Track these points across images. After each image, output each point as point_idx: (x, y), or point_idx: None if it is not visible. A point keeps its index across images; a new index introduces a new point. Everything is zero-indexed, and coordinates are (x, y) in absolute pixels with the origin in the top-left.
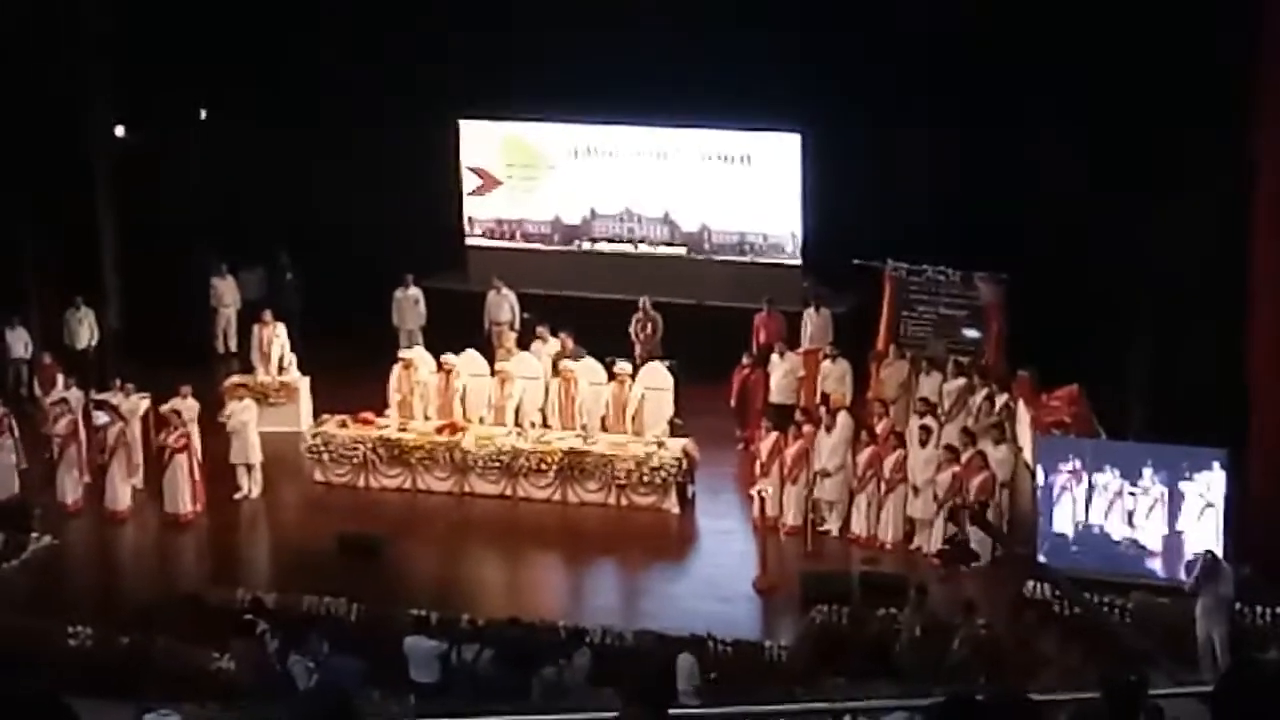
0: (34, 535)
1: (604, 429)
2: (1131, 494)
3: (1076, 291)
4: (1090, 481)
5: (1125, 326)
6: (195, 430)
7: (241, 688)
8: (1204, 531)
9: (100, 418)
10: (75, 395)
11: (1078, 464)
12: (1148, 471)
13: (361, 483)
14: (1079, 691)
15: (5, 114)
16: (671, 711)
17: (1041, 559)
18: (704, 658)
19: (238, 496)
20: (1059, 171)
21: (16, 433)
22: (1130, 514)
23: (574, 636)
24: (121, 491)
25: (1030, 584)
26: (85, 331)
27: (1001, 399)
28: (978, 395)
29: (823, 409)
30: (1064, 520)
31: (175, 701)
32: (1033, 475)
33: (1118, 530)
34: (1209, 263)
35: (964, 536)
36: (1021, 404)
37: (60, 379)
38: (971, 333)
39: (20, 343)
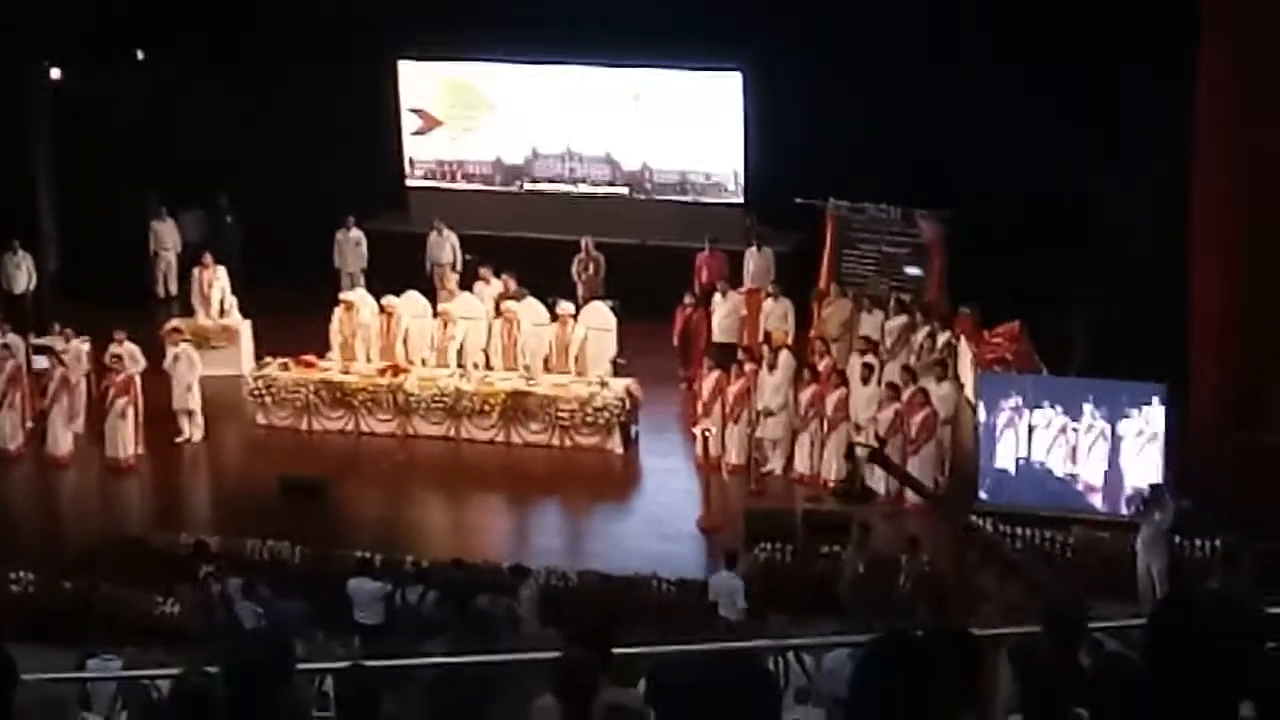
0: None
1: (547, 369)
2: (1073, 430)
3: (1018, 228)
4: (1031, 418)
5: (1066, 263)
6: (137, 375)
7: (186, 632)
8: (1144, 466)
9: (41, 362)
10: (15, 339)
11: (1019, 400)
12: (1088, 407)
13: (304, 425)
14: (1020, 626)
15: None
16: (615, 650)
17: (983, 495)
18: (648, 597)
19: (179, 440)
20: (1001, 108)
21: None
22: (1072, 449)
23: (518, 574)
24: (63, 437)
25: (973, 519)
26: (23, 275)
27: (943, 336)
28: (919, 333)
29: (765, 348)
30: (1006, 456)
31: (119, 646)
32: (974, 412)
33: (1059, 466)
34: (1150, 197)
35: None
36: (963, 341)
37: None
38: (913, 270)
39: None
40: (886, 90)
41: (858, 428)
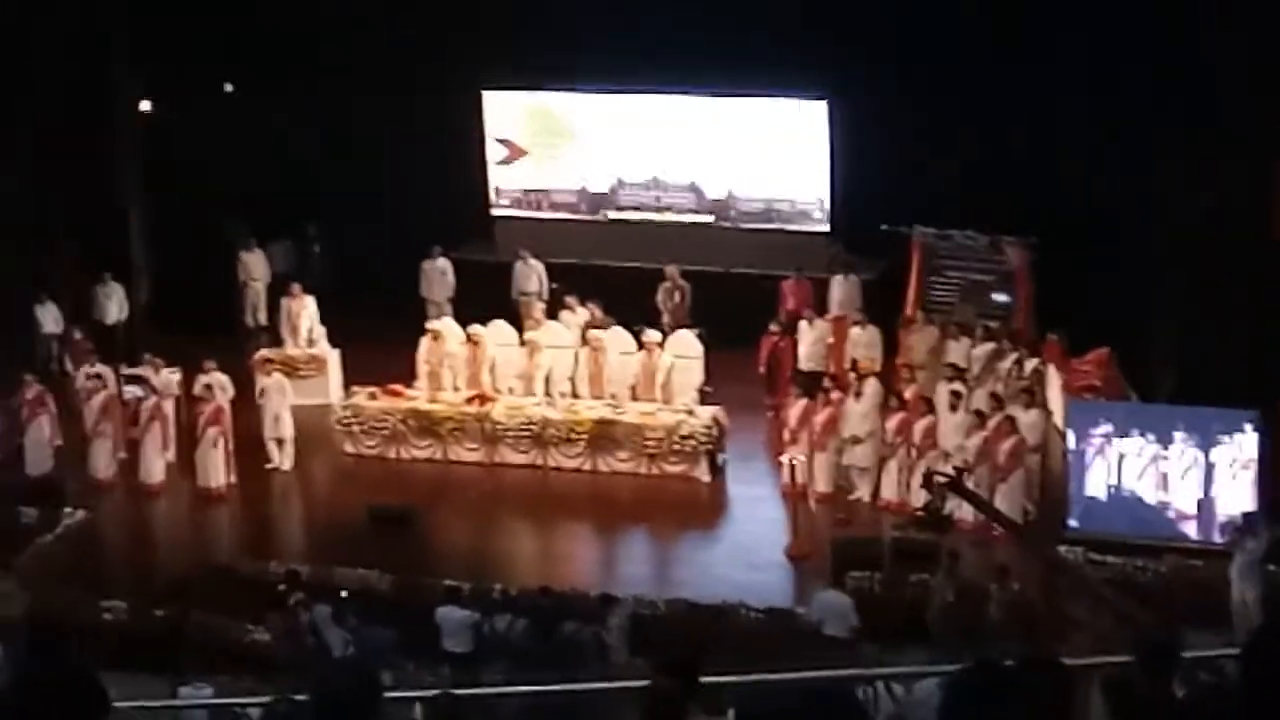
0: (68, 510)
1: (633, 398)
2: (1164, 457)
3: (1106, 255)
4: (1121, 445)
5: (1156, 289)
6: (226, 404)
7: (276, 659)
8: (1237, 493)
9: (133, 392)
10: (107, 370)
11: (1109, 428)
12: (1179, 434)
13: (392, 454)
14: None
15: (31, 90)
16: (703, 679)
17: (1073, 523)
18: (735, 625)
19: (269, 469)
20: (1088, 136)
21: (51, 409)
22: (1163, 477)
23: (606, 603)
24: (155, 465)
25: (1063, 548)
26: (114, 306)
27: (1031, 363)
28: (1007, 360)
29: (852, 375)
30: (1096, 484)
31: (210, 674)
32: (1064, 439)
33: (1150, 494)
34: (1240, 223)
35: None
36: (1051, 368)
37: (91, 354)
38: (1000, 297)
39: (50, 318)
40: (972, 117)
41: (945, 455)
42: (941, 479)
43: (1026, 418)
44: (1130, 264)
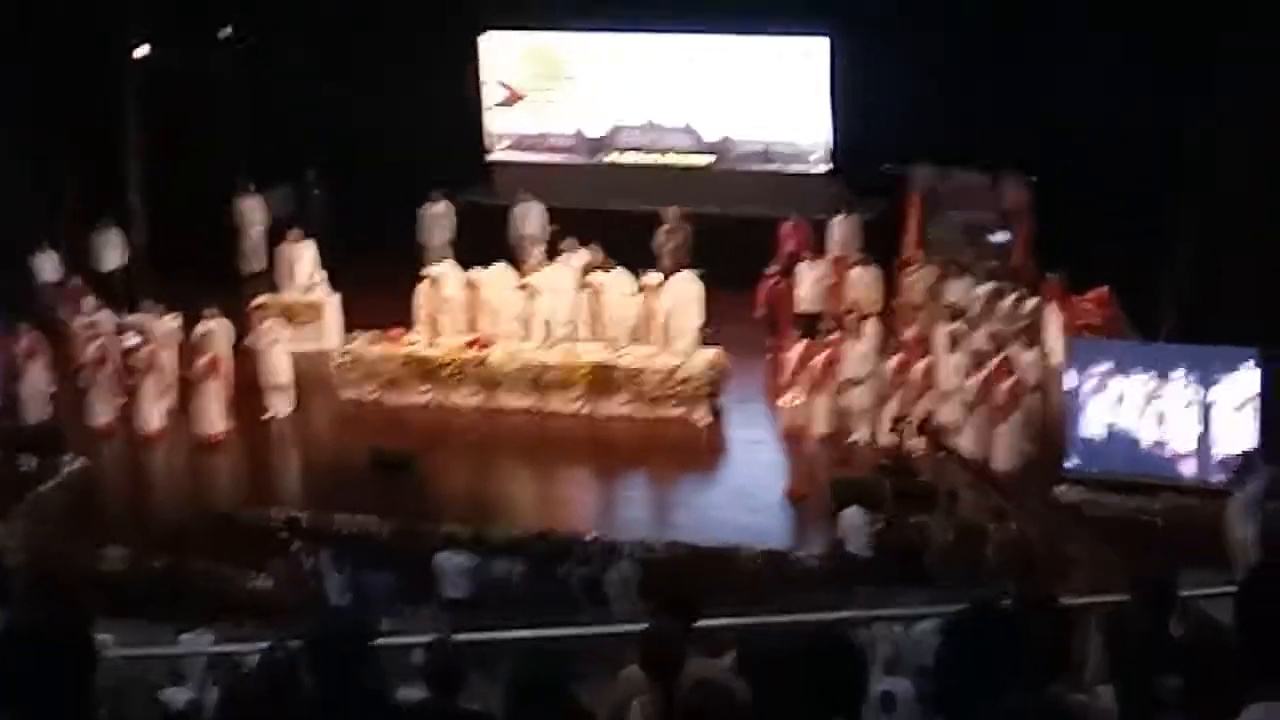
0: (66, 458)
1: (633, 341)
2: (1163, 396)
3: (1107, 192)
4: (1121, 384)
5: (1157, 226)
6: (226, 351)
7: (278, 606)
8: (1237, 432)
9: (130, 339)
10: (105, 317)
11: (1109, 367)
12: (1179, 373)
13: (391, 399)
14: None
15: (28, 35)
16: (700, 624)
17: (1072, 462)
18: (735, 568)
19: (267, 416)
20: (1088, 71)
21: (48, 357)
22: (1161, 416)
23: (608, 547)
24: (152, 413)
25: (1061, 487)
26: (113, 253)
27: (1031, 302)
28: (1006, 299)
29: (851, 316)
30: (1095, 423)
31: (211, 622)
32: (1063, 379)
33: (1149, 433)
34: (1243, 157)
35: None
36: (1051, 307)
37: (90, 301)
38: (1000, 236)
39: (49, 266)
40: (971, 54)
41: (944, 396)
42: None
43: (1026, 357)
44: (1131, 201)
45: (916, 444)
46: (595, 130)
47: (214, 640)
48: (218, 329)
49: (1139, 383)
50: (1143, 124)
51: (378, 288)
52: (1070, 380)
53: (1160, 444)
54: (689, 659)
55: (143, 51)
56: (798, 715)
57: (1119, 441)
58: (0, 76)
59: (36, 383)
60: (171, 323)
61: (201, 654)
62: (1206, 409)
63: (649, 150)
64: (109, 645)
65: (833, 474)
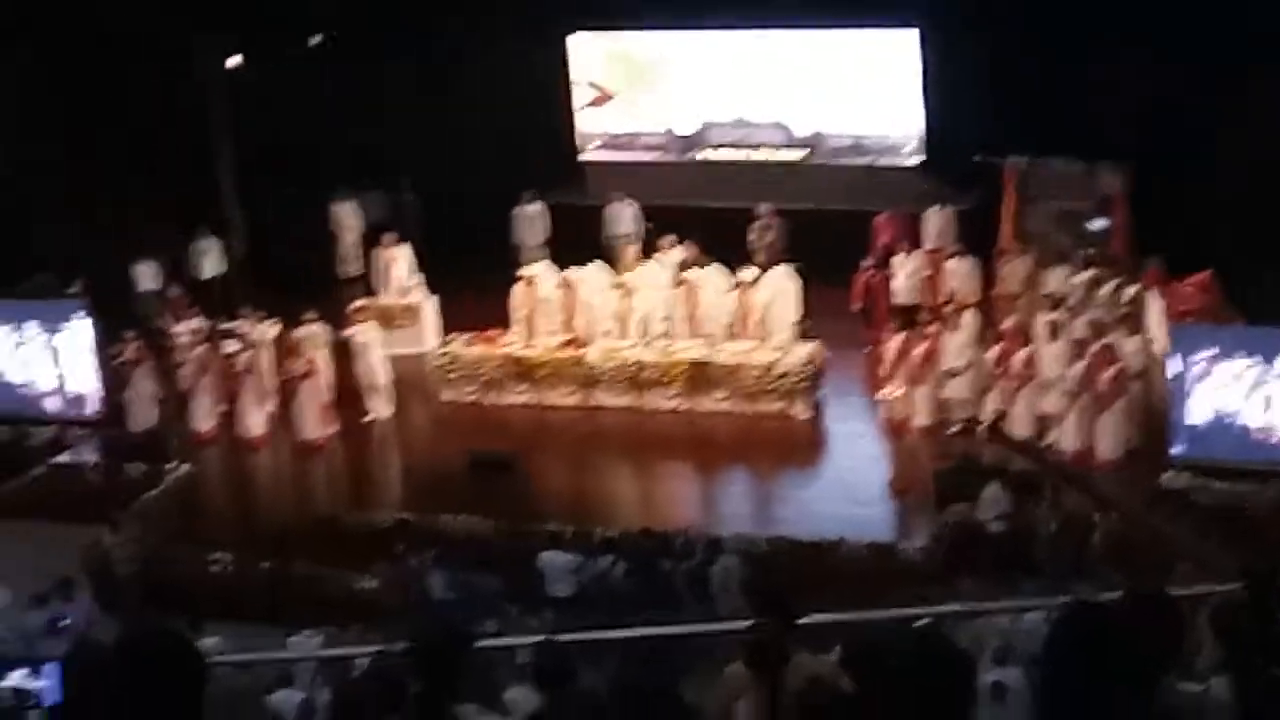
0: (170, 465)
1: (729, 337)
2: (1269, 380)
3: (1206, 176)
4: (1225, 369)
5: (1258, 209)
6: (325, 355)
7: (383, 608)
8: None
9: (230, 346)
10: (205, 325)
11: (1212, 352)
12: None
13: (489, 400)
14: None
15: (120, 49)
16: (806, 620)
17: (1177, 450)
18: (838, 562)
19: (367, 419)
20: (1183, 54)
21: (151, 365)
22: (1268, 400)
23: (711, 543)
24: (254, 419)
25: (1167, 475)
26: (211, 261)
27: (1131, 289)
28: (1106, 287)
29: (948, 308)
30: (1200, 410)
31: (318, 625)
32: (1166, 366)
33: (1255, 418)
34: None
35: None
36: (1152, 294)
37: (189, 309)
38: (1097, 223)
39: (148, 276)
40: (1064, 41)
41: (1046, 386)
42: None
43: (1128, 345)
44: (1230, 183)
45: (1019, 435)
46: (686, 128)
47: (322, 643)
48: (315, 334)
49: (1244, 367)
50: (1238, 105)
51: (473, 290)
52: (1174, 367)
53: (1267, 429)
54: (795, 654)
55: (235, 61)
56: (904, 713)
57: (1225, 428)
58: (98, 90)
59: (141, 391)
60: (270, 329)
61: (310, 657)
62: None
63: (740, 146)
64: (218, 649)
65: (935, 466)
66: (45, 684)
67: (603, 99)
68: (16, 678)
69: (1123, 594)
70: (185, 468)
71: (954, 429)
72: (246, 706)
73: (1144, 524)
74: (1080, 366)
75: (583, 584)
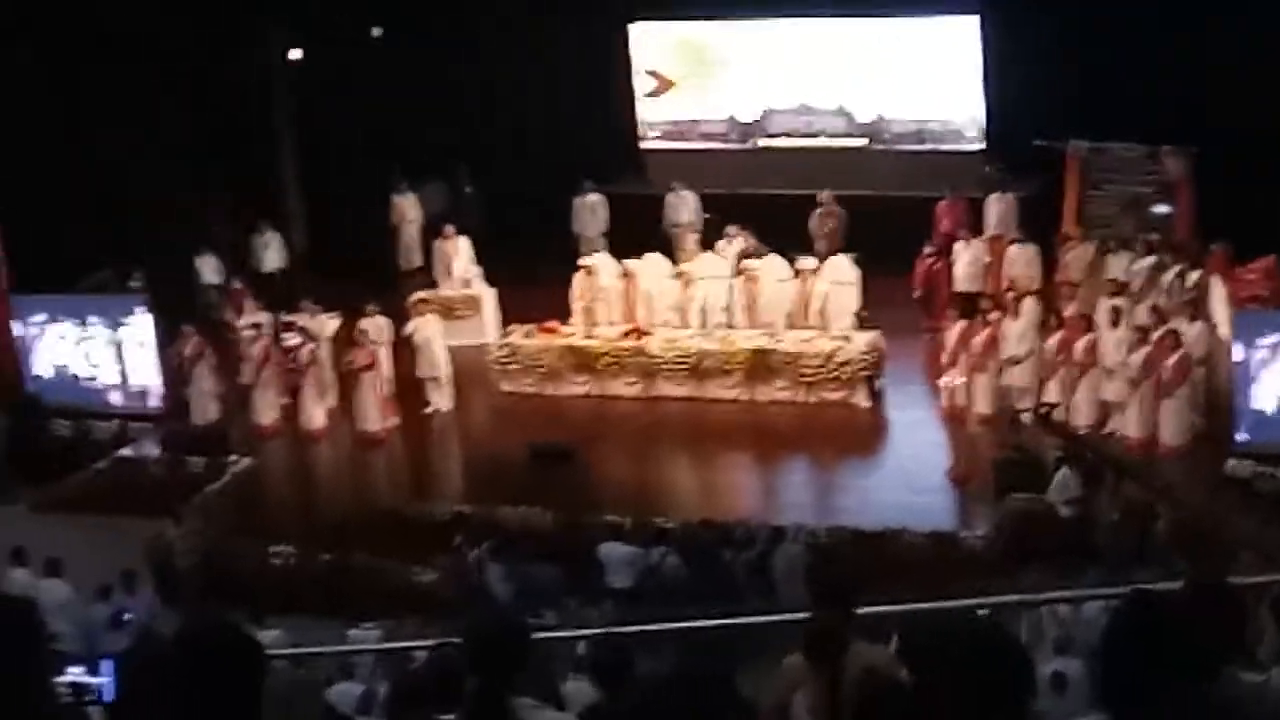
0: (233, 458)
1: (790, 326)
2: None
3: (1269, 159)
4: None
5: None
6: (385, 348)
7: (441, 601)
8: None
9: (291, 339)
10: (266, 318)
11: (1277, 338)
12: None
13: (549, 391)
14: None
15: (180, 42)
16: (866, 610)
17: (1241, 437)
18: (899, 551)
19: (428, 411)
20: (1244, 38)
21: (212, 359)
22: None
23: (774, 533)
24: (315, 411)
25: (1231, 463)
26: (272, 255)
27: (1194, 275)
28: (1169, 273)
29: (1010, 295)
30: (1265, 396)
31: (378, 617)
32: (1230, 352)
33: None
34: None
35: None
36: (1216, 279)
37: (250, 303)
38: (1160, 209)
39: (209, 269)
40: (1126, 24)
41: (1108, 373)
42: (1029, 417)
43: (1191, 331)
44: None
45: (1081, 422)
46: (747, 115)
47: (381, 635)
48: (376, 326)
49: None
50: None
51: (533, 281)
52: (1238, 353)
53: None
54: (853, 644)
55: (297, 54)
56: (962, 705)
57: None
58: (158, 82)
59: (202, 384)
60: (331, 322)
61: (370, 649)
62: None
63: (801, 134)
64: (278, 642)
65: (996, 454)
66: (104, 680)
67: (663, 87)
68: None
69: (1183, 583)
70: (247, 461)
71: (1012, 418)
72: (306, 700)
73: (1207, 512)
74: (1143, 353)
75: (642, 575)
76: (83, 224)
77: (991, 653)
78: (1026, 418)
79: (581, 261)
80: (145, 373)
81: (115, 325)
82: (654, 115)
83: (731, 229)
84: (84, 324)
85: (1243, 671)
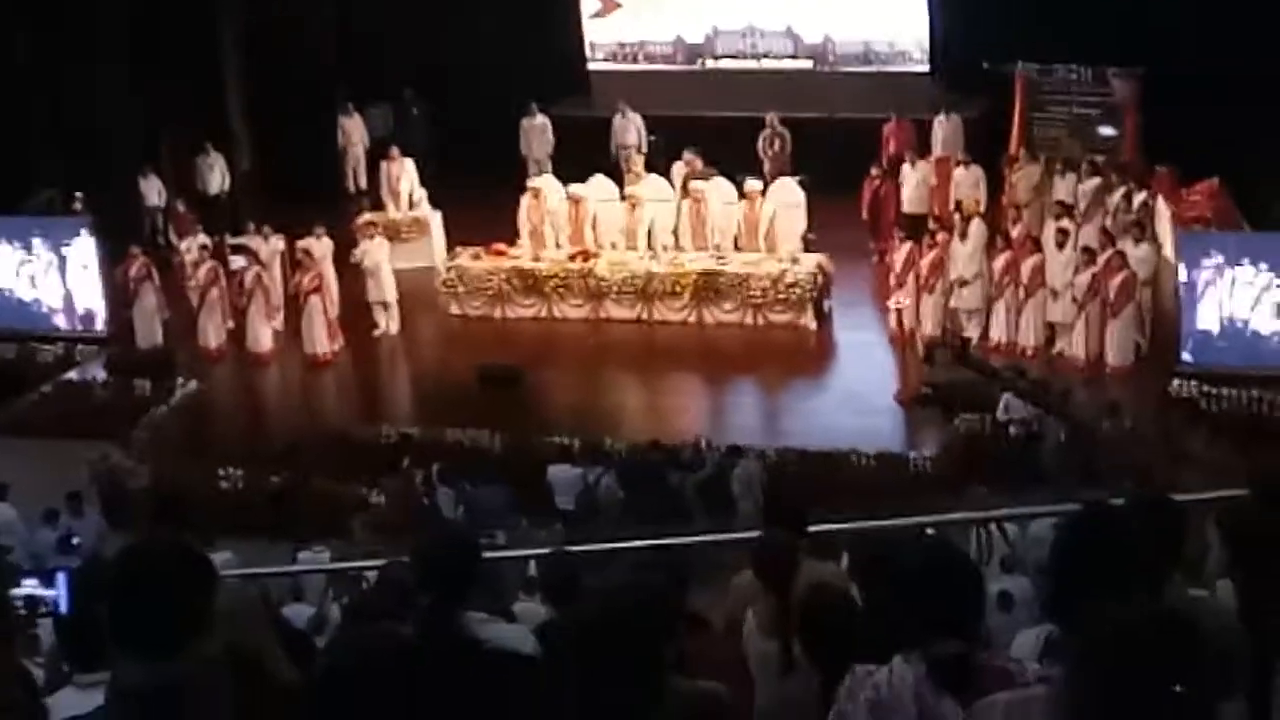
0: (180, 381)
1: (737, 248)
2: (1277, 286)
3: (1215, 82)
4: (1234, 275)
5: (1266, 116)
6: (330, 269)
7: (391, 522)
8: None
9: (237, 261)
10: (211, 240)
11: (1221, 259)
12: None
13: (497, 314)
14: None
15: None
16: (816, 528)
17: (1186, 357)
18: (847, 472)
19: (376, 334)
20: None
21: (157, 281)
22: (1277, 306)
23: (733, 453)
24: (262, 334)
25: (1176, 382)
26: (216, 176)
27: (1140, 197)
28: (1115, 194)
29: (956, 216)
30: (1209, 317)
31: (327, 538)
32: (1175, 272)
33: (1265, 324)
34: None
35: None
36: (1161, 200)
37: (195, 225)
38: (1106, 131)
39: (154, 191)
40: None
41: (1054, 294)
42: (943, 353)
43: (1137, 252)
44: (1239, 91)
45: (1028, 343)
46: (693, 36)
47: (331, 557)
48: (321, 247)
49: (1252, 274)
50: (1250, 11)
51: (479, 204)
52: (1182, 274)
53: (1276, 335)
54: (802, 563)
55: None
56: (912, 620)
57: (1234, 334)
58: (103, 4)
59: (147, 307)
60: (276, 243)
61: (320, 570)
62: None
63: (748, 55)
64: (227, 565)
65: (943, 376)
66: (58, 593)
67: (609, 8)
68: (30, 586)
69: (1130, 498)
70: (193, 384)
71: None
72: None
73: (1153, 430)
74: (1089, 274)
75: (591, 497)
76: (25, 147)
77: (943, 569)
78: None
79: (528, 184)
80: (89, 296)
81: (59, 248)
82: (600, 36)
83: (688, 154)
84: (27, 247)
85: (1189, 586)
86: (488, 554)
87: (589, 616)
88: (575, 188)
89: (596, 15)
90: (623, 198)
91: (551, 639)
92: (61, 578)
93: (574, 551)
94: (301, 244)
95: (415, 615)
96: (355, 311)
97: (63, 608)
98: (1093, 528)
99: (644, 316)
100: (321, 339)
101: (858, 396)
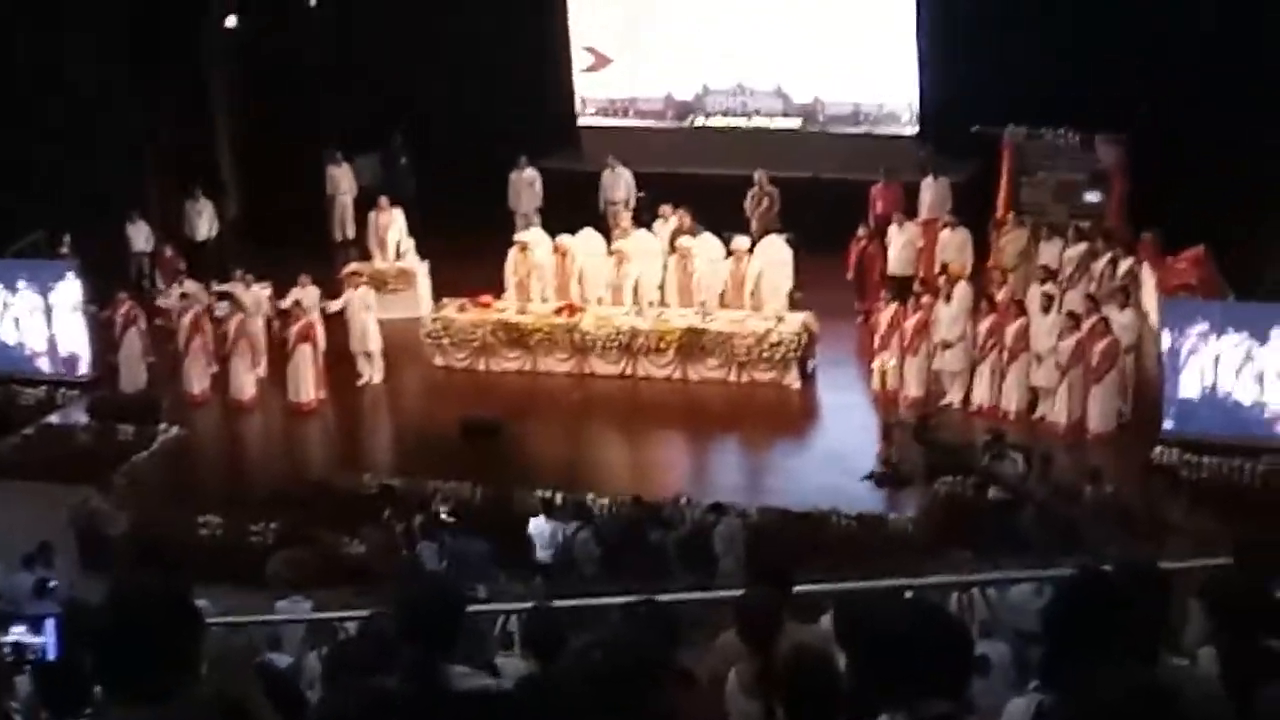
0: (162, 426)
1: (723, 305)
2: (1260, 356)
3: (1201, 150)
4: (1218, 344)
5: (1252, 184)
6: (317, 319)
7: (371, 573)
8: None
9: (222, 308)
10: (197, 286)
11: (1205, 327)
12: (1276, 332)
13: (482, 366)
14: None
15: (120, 8)
16: (798, 588)
17: (1168, 424)
18: (829, 532)
19: (360, 383)
20: (1179, 30)
21: (143, 325)
22: (1260, 376)
23: (715, 511)
24: (245, 381)
25: (1158, 449)
26: (204, 223)
27: (1125, 263)
28: (1100, 260)
29: (942, 279)
30: (1191, 385)
31: (307, 589)
32: (1159, 340)
33: (1247, 393)
34: None
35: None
36: (1146, 267)
37: (182, 271)
38: (1093, 196)
39: (141, 236)
40: (1061, 12)
41: (1038, 359)
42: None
43: (1121, 318)
44: (1225, 159)
45: (1010, 407)
46: (684, 94)
47: (311, 607)
48: (308, 296)
49: (1236, 343)
50: (1237, 80)
51: (467, 256)
52: (1166, 341)
53: (1259, 405)
54: (785, 624)
55: (232, 22)
56: (897, 684)
57: (1216, 403)
58: (94, 49)
59: (132, 352)
60: (262, 291)
61: (299, 620)
62: None
63: (738, 114)
64: (209, 612)
65: (927, 439)
66: (46, 639)
67: (601, 64)
68: (18, 632)
69: (1114, 565)
70: (176, 430)
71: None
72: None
73: (1134, 497)
74: (1073, 339)
75: (572, 551)
76: (12, 189)
77: (930, 628)
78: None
79: (516, 237)
80: (74, 339)
81: (44, 290)
82: (591, 91)
83: (666, 208)
84: (12, 289)
85: (1170, 655)
86: (470, 607)
87: (576, 671)
88: (563, 238)
89: (588, 70)
90: (610, 253)
91: (535, 693)
92: (50, 624)
93: (557, 606)
94: (291, 294)
95: (399, 667)
96: (340, 361)
97: (50, 654)
98: (1087, 593)
99: (628, 372)
100: (306, 387)
101: (840, 457)
